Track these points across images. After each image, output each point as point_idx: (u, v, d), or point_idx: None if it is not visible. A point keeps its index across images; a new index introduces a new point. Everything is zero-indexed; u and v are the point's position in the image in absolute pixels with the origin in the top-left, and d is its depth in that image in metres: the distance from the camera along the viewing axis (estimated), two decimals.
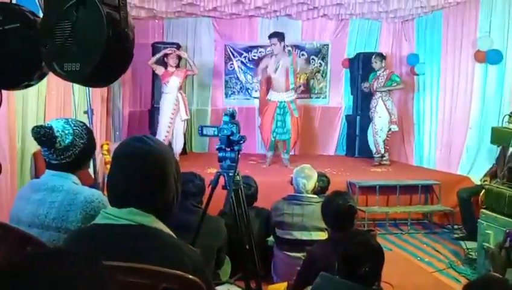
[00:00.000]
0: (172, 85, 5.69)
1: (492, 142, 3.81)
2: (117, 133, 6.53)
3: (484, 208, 3.53)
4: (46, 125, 1.66)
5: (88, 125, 2.02)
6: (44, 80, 3.27)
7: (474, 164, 5.38)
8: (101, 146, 4.58)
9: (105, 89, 5.87)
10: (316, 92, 7.36)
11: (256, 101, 7.03)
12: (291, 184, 3.26)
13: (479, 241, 3.54)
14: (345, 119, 7.20)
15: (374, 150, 6.12)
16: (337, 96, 7.35)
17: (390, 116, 5.98)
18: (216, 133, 2.39)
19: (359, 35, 7.11)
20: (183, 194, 2.39)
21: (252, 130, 6.83)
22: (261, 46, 7.07)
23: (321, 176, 3.57)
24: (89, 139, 1.74)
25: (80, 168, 1.76)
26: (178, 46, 6.34)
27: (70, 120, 1.74)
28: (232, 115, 2.39)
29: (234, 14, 6.59)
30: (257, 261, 2.60)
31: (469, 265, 3.84)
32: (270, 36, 5.65)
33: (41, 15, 1.49)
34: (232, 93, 7.27)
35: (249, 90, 7.24)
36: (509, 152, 3.97)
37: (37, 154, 3.59)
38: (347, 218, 2.42)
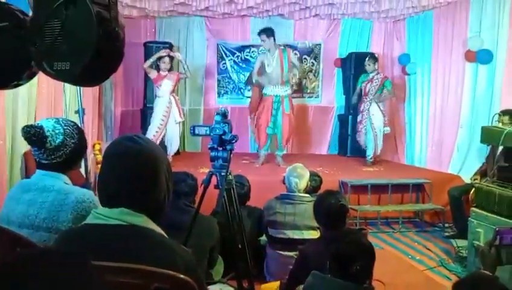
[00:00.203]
0: (164, 89, 5.67)
1: (482, 141, 3.85)
2: (109, 132, 6.49)
3: (474, 207, 3.56)
4: (37, 125, 1.64)
5: (79, 125, 2.01)
6: (35, 79, 3.24)
7: (465, 163, 5.43)
8: (93, 146, 4.54)
9: (96, 89, 5.83)
10: (309, 91, 7.38)
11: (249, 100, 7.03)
12: (284, 183, 3.27)
13: (469, 239, 3.57)
14: (337, 118, 7.23)
15: (371, 153, 6.06)
16: (329, 96, 7.38)
17: (384, 118, 6.02)
18: (208, 132, 2.39)
19: (351, 35, 7.14)
20: (176, 193, 2.40)
21: (245, 129, 6.83)
22: (253, 46, 7.07)
23: (313, 175, 3.58)
24: (79, 139, 1.72)
25: (71, 168, 1.75)
26: (170, 46, 6.32)
27: (61, 120, 1.73)
28: (224, 115, 2.39)
29: (226, 13, 6.58)
30: (249, 261, 2.60)
31: (460, 263, 3.87)
32: (259, 34, 5.67)
33: (30, 14, 1.47)
34: (224, 93, 7.27)
35: (242, 90, 7.24)
36: (498, 151, 4.01)
37: (27, 154, 3.56)
38: (339, 217, 2.43)
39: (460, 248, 4.05)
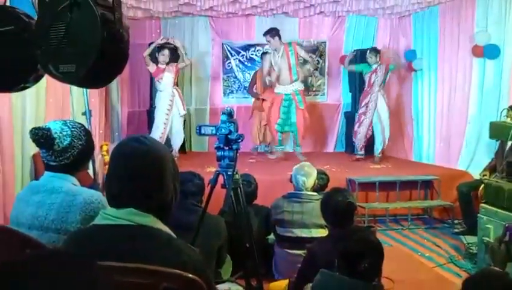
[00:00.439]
0: (166, 82, 5.68)
1: (491, 136, 3.81)
2: (116, 133, 6.53)
3: (484, 203, 3.53)
4: (44, 127, 1.66)
5: (86, 126, 2.03)
6: (44, 82, 3.27)
7: (474, 159, 5.38)
8: (100, 147, 4.57)
9: (103, 90, 5.87)
10: (314, 89, 7.35)
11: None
12: (291, 182, 3.27)
13: (479, 235, 3.54)
14: (344, 116, 7.20)
15: (380, 147, 6.06)
16: (335, 94, 7.35)
17: (389, 111, 6.03)
18: (214, 132, 2.39)
19: (356, 32, 7.10)
20: (183, 193, 2.41)
21: (251, 128, 6.83)
22: (258, 45, 7.06)
23: (320, 174, 3.57)
24: (87, 141, 1.74)
25: (79, 169, 1.76)
26: (174, 46, 6.33)
27: (68, 121, 1.74)
28: (229, 114, 2.39)
29: (231, 13, 6.58)
30: (257, 259, 2.60)
31: (469, 260, 3.84)
32: (264, 35, 5.70)
33: (35, 17, 1.48)
34: (230, 92, 7.27)
35: (247, 89, 7.24)
36: (507, 146, 3.97)
37: (36, 156, 3.60)
38: (346, 215, 2.42)
39: (470, 245, 4.02)
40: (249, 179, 3.37)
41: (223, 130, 2.36)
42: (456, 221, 4.81)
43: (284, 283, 2.77)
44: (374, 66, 5.94)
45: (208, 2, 5.93)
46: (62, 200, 1.63)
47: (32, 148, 3.40)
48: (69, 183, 1.69)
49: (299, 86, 5.76)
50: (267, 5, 6.24)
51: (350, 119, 6.96)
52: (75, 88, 3.87)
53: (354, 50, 6.65)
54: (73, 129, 1.70)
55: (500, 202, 3.34)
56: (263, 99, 6.04)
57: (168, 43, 5.85)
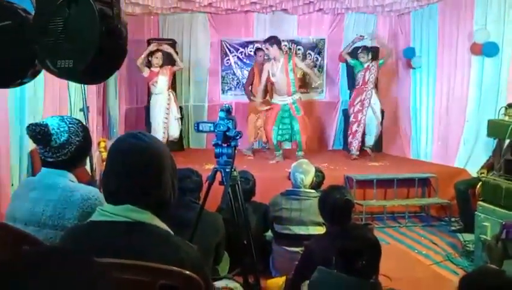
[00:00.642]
0: (161, 85, 5.66)
1: (488, 134, 3.82)
2: (114, 130, 6.51)
3: (481, 200, 3.54)
4: (42, 123, 1.65)
5: (84, 122, 2.02)
6: (41, 77, 3.25)
7: (471, 157, 5.39)
8: (98, 143, 4.56)
9: (101, 86, 5.84)
10: (313, 87, 7.35)
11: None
12: (289, 179, 3.27)
13: (476, 233, 3.55)
14: (342, 113, 7.20)
15: (373, 140, 6.13)
16: (334, 91, 7.35)
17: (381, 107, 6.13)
18: (212, 129, 2.39)
19: (355, 29, 7.09)
20: (181, 190, 2.40)
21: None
22: (257, 42, 7.05)
23: (316, 171, 3.57)
24: (84, 137, 1.73)
25: (76, 165, 1.76)
26: (174, 42, 6.32)
27: (65, 118, 1.73)
28: (228, 111, 2.39)
29: (230, 9, 6.57)
30: (255, 256, 2.60)
31: (466, 257, 3.86)
32: (263, 43, 5.71)
33: (33, 12, 1.47)
34: (228, 89, 7.26)
35: (244, 88, 7.23)
36: (505, 144, 3.98)
37: (33, 153, 3.58)
38: (344, 212, 2.43)
39: (467, 242, 4.04)
40: (247, 176, 3.36)
41: (221, 127, 2.36)
42: (453, 219, 4.82)
43: (282, 280, 2.77)
44: (366, 64, 5.98)
45: None
46: (59, 196, 1.62)
47: (31, 145, 3.38)
48: (67, 179, 1.68)
49: (296, 96, 5.78)
50: (266, 2, 6.23)
51: (348, 117, 6.95)
52: (72, 84, 3.85)
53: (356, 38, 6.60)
54: (70, 125, 1.69)
55: (497, 200, 3.35)
56: (267, 109, 6.01)
57: (159, 50, 5.81)
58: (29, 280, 0.64)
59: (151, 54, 5.68)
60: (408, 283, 3.04)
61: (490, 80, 5.26)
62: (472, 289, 1.58)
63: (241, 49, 7.17)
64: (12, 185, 3.18)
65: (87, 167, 3.19)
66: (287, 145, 6.42)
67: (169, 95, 5.72)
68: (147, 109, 6.47)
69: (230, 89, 7.25)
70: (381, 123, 6.26)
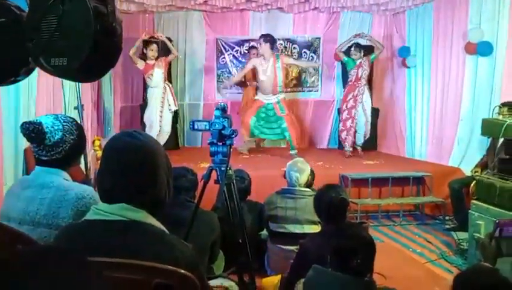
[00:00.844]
0: (156, 77, 5.64)
1: (482, 133, 3.84)
2: (109, 128, 6.49)
3: (475, 199, 3.56)
4: (35, 121, 1.64)
5: (79, 121, 2.01)
6: (35, 75, 3.23)
7: (465, 156, 5.42)
8: (93, 142, 4.54)
9: (96, 84, 5.82)
10: (308, 85, 7.35)
11: None
12: (285, 178, 3.27)
13: (470, 231, 3.57)
14: (337, 112, 7.21)
15: (361, 139, 6.16)
16: (329, 90, 7.36)
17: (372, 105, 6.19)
18: (208, 127, 2.39)
19: (350, 28, 7.10)
20: (176, 189, 2.39)
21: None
22: (252, 40, 7.04)
23: None
24: (79, 135, 1.72)
25: (70, 164, 1.75)
26: (169, 40, 6.28)
27: (59, 116, 1.72)
28: (223, 109, 2.39)
29: (225, 7, 6.55)
30: (250, 255, 2.60)
31: (460, 255, 3.88)
32: (259, 37, 5.77)
33: (27, 9, 1.46)
34: (224, 88, 7.25)
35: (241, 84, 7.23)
36: (499, 143, 4.00)
37: (27, 151, 3.55)
38: (339, 210, 2.43)
39: (461, 241, 4.06)
40: (243, 174, 3.36)
41: (217, 126, 2.36)
42: (447, 217, 4.85)
43: (277, 278, 2.78)
44: (358, 61, 6.04)
45: None
46: (54, 195, 1.61)
47: (25, 143, 3.36)
48: (61, 178, 1.67)
49: (281, 95, 5.83)
50: (262, 0, 6.22)
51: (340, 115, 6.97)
52: (67, 82, 3.83)
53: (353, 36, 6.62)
54: (64, 124, 1.68)
55: (491, 199, 3.37)
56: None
57: (153, 37, 5.79)
58: (25, 280, 0.64)
59: (146, 46, 5.64)
60: (402, 281, 3.05)
61: (484, 79, 5.29)
62: (466, 287, 1.59)
63: (237, 48, 7.16)
64: (5, 183, 3.15)
65: (82, 166, 3.17)
66: (282, 144, 6.44)
67: (164, 87, 5.70)
68: (142, 107, 6.45)
69: (225, 87, 7.24)
70: (371, 122, 6.27)
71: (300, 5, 6.63)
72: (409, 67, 6.56)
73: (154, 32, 5.90)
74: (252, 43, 6.80)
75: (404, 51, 6.59)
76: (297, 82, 7.22)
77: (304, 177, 3.16)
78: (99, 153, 4.50)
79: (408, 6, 6.38)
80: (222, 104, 2.44)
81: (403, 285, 2.33)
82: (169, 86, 5.83)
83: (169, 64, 6.05)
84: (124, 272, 1.07)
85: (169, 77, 6.23)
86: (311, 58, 7.26)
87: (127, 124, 6.64)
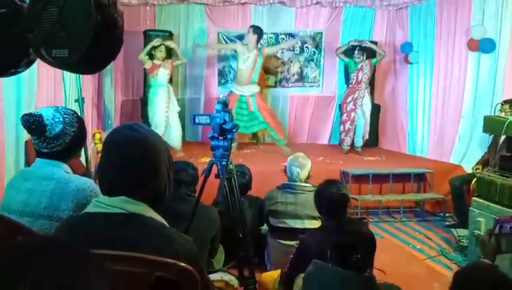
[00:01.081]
0: (162, 78, 5.62)
1: (484, 130, 3.83)
2: (109, 121, 6.48)
3: (476, 196, 3.56)
4: (36, 113, 1.63)
5: (79, 113, 2.00)
6: (36, 67, 3.22)
7: (467, 153, 5.42)
8: (93, 135, 4.53)
9: (96, 77, 5.81)
10: (310, 80, 7.32)
11: None
12: (285, 173, 3.27)
13: (470, 228, 3.58)
14: (339, 108, 7.19)
15: (360, 141, 6.15)
16: (330, 85, 7.32)
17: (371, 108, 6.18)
18: (209, 121, 2.38)
19: (353, 23, 7.06)
20: (176, 183, 2.40)
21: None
22: None
23: None
24: (79, 128, 1.71)
25: (71, 156, 1.74)
26: (170, 34, 6.26)
27: (60, 108, 1.71)
28: (224, 103, 2.38)
29: (227, 1, 6.53)
30: (250, 250, 2.61)
31: (460, 252, 3.89)
32: (250, 26, 5.85)
33: (27, 0, 1.45)
34: (225, 82, 7.22)
35: None
36: (501, 140, 4.00)
37: (28, 143, 3.55)
38: (340, 206, 2.43)
39: (461, 237, 4.06)
40: (243, 169, 3.36)
41: (218, 120, 2.35)
42: (447, 214, 4.85)
43: (276, 273, 2.78)
44: (360, 64, 6.03)
45: None
46: (54, 187, 1.61)
47: (26, 135, 3.36)
48: (62, 170, 1.67)
49: (255, 88, 5.87)
50: None
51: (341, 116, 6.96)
52: (67, 74, 3.83)
53: (353, 41, 6.61)
54: (65, 116, 1.68)
55: (492, 196, 3.37)
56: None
57: (163, 45, 5.78)
58: (25, 271, 0.64)
59: (155, 47, 5.65)
60: (402, 277, 3.05)
61: (486, 76, 5.27)
62: (466, 284, 1.59)
63: (238, 42, 7.12)
64: (6, 175, 3.16)
65: (82, 159, 3.17)
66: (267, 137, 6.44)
67: (168, 88, 5.69)
68: (143, 100, 6.43)
69: (227, 81, 7.21)
70: (372, 118, 6.28)
71: None
72: (411, 64, 6.53)
73: (165, 41, 5.89)
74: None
75: (407, 47, 6.56)
76: (299, 77, 7.19)
77: (304, 173, 3.15)
78: (100, 146, 4.49)
79: (411, 1, 6.34)
80: (223, 98, 2.43)
81: (402, 281, 2.33)
82: (171, 88, 5.85)
83: (174, 67, 6.03)
84: (125, 264, 1.07)
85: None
86: (312, 53, 7.22)
87: (128, 118, 6.62)
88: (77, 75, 3.13)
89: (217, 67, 7.16)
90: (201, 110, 6.87)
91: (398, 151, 6.63)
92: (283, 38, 6.98)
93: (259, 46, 5.94)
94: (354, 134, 6.14)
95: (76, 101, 3.34)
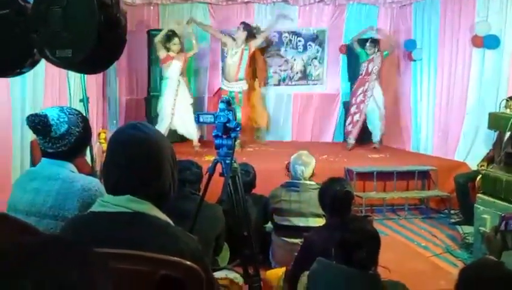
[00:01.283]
0: (173, 69, 5.63)
1: (489, 127, 3.81)
2: (114, 121, 6.50)
3: (481, 193, 3.54)
4: (41, 113, 1.64)
5: (84, 113, 2.01)
6: (42, 67, 3.23)
7: (471, 150, 5.39)
8: (98, 134, 4.55)
9: (101, 77, 5.82)
10: (313, 78, 7.31)
11: None
12: (287, 170, 3.27)
13: (475, 225, 3.56)
14: (343, 106, 7.17)
15: (379, 133, 6.14)
16: (334, 83, 7.31)
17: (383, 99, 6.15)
18: (212, 120, 2.38)
19: (356, 20, 7.03)
20: (181, 181, 2.40)
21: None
22: None
23: None
24: (84, 128, 1.73)
25: (76, 156, 1.76)
26: (174, 33, 6.26)
27: (65, 108, 1.73)
28: (228, 102, 2.38)
29: (230, 0, 6.52)
30: (255, 248, 2.61)
31: (466, 249, 3.87)
32: (241, 22, 5.92)
33: (31, 0, 1.46)
34: (192, 21, 7.13)
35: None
36: (506, 137, 3.97)
37: (34, 143, 3.58)
38: (344, 204, 2.43)
39: (466, 235, 4.05)
40: (248, 168, 3.36)
41: (222, 118, 2.35)
42: (452, 211, 4.83)
43: (281, 271, 2.78)
44: (371, 56, 6.03)
45: None
46: (60, 186, 1.62)
47: (31, 135, 3.38)
48: (67, 170, 1.68)
49: (243, 85, 5.89)
50: None
51: (349, 109, 6.94)
52: (72, 74, 3.84)
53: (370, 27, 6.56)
54: (70, 116, 1.69)
55: (497, 193, 3.35)
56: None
57: (178, 35, 5.79)
58: (27, 270, 0.64)
59: (169, 39, 5.63)
60: (407, 275, 3.04)
61: (491, 73, 5.24)
62: (471, 281, 1.58)
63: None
64: (13, 175, 3.18)
65: (88, 158, 3.19)
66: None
67: (178, 80, 5.70)
68: (147, 100, 6.45)
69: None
70: (384, 115, 6.24)
71: None
72: (415, 61, 6.50)
73: (192, 21, 5.93)
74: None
75: (411, 44, 6.53)
76: (302, 75, 7.18)
77: (308, 171, 3.15)
78: (105, 146, 4.52)
79: None
80: (227, 97, 2.43)
81: (407, 279, 2.32)
82: (184, 80, 5.86)
83: (187, 59, 6.04)
84: (129, 263, 1.07)
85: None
86: (316, 51, 7.20)
87: (132, 117, 6.63)
88: (82, 75, 3.15)
89: (220, 66, 7.15)
90: (205, 109, 6.88)
91: (403, 148, 6.61)
92: (286, 37, 6.97)
93: (246, 45, 5.94)
94: (369, 129, 6.12)
95: (81, 100, 3.36)
